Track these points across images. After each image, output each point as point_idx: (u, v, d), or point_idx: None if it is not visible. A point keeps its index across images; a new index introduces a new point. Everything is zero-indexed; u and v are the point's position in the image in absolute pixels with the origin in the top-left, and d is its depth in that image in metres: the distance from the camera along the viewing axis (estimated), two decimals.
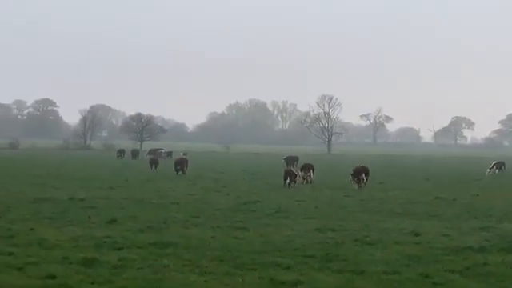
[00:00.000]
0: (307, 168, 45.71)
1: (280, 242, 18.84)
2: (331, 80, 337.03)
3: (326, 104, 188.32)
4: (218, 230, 21.17)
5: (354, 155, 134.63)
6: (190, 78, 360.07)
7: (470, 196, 36.26)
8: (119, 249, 17.40)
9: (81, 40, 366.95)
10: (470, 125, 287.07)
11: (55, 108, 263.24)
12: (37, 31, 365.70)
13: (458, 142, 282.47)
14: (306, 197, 34.25)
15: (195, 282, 13.90)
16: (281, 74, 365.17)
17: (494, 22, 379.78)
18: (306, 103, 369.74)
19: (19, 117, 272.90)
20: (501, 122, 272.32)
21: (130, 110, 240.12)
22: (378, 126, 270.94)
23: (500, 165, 65.50)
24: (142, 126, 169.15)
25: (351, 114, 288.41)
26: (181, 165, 54.26)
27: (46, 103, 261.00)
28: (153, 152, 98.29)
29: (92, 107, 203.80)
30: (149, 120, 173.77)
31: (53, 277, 13.94)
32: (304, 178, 43.98)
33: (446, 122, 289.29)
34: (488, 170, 63.09)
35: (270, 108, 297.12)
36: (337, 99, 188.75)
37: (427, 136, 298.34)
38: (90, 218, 23.71)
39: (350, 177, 41.60)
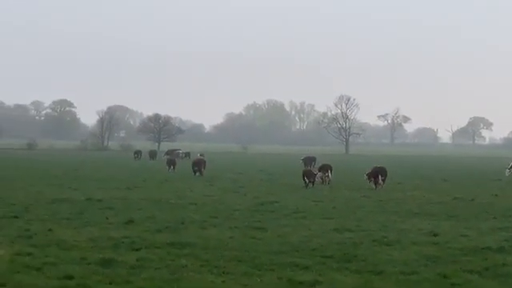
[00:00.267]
0: (325, 168, 45.66)
1: (298, 243, 18.81)
2: (349, 80, 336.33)
3: (343, 104, 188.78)
4: (236, 231, 21.15)
5: (371, 156, 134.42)
6: (208, 78, 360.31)
7: (488, 196, 36.04)
8: (137, 249, 17.41)
9: (86, 40, 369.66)
10: (488, 125, 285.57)
11: (73, 109, 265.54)
12: (36, 31, 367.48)
13: (476, 142, 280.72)
14: (324, 197, 34.20)
15: (213, 282, 13.89)
16: (298, 74, 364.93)
17: None
18: (324, 104, 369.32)
19: (37, 118, 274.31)
20: None
21: (148, 111, 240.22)
22: (395, 126, 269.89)
23: None
24: (160, 126, 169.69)
25: (369, 115, 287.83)
26: (198, 166, 54.37)
27: (64, 104, 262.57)
28: (170, 152, 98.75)
29: (109, 108, 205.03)
30: (166, 121, 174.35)
31: (71, 277, 13.98)
32: (322, 179, 43.91)
33: (463, 123, 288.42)
34: (507, 170, 62.52)
35: (288, 108, 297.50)
36: (354, 99, 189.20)
37: (445, 136, 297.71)
38: (107, 218, 23.75)
39: (366, 176, 41.47)
